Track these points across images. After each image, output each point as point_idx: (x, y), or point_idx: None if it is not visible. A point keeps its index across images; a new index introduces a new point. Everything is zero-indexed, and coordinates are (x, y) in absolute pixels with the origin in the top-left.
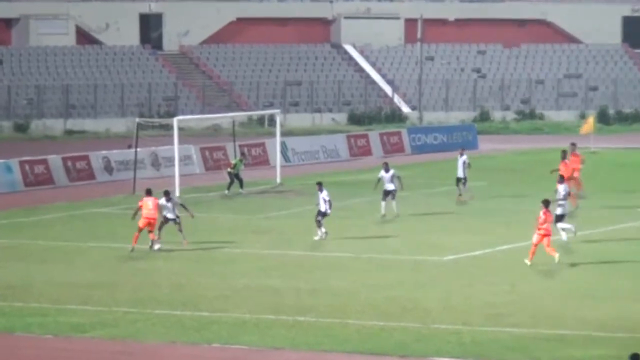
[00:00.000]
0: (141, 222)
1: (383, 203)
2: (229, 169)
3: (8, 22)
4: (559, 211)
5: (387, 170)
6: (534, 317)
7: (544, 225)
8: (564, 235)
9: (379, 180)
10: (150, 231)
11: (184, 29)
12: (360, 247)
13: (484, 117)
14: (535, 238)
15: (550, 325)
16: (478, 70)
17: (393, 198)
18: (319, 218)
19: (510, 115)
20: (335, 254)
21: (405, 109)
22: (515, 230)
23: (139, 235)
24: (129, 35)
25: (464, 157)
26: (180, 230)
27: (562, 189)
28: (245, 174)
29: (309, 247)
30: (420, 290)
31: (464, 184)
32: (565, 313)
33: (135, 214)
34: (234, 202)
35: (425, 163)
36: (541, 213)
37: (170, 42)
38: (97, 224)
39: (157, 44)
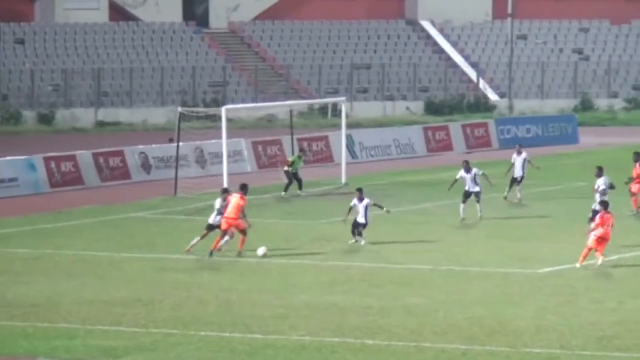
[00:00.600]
0: (223, 223)
1: (462, 206)
2: (286, 168)
3: None
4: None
5: (468, 171)
6: None
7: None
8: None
9: (456, 181)
10: (232, 235)
11: (234, 3)
12: (439, 258)
13: (586, 106)
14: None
15: None
16: (580, 52)
17: (478, 201)
18: (360, 229)
19: (618, 104)
20: (410, 266)
21: (493, 96)
22: (622, 238)
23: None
24: (170, 10)
25: (524, 155)
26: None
27: (601, 182)
28: (305, 173)
29: (379, 259)
30: (510, 308)
31: (520, 183)
32: None
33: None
34: (292, 205)
35: None
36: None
37: (218, 18)
38: (133, 231)
39: (203, 21)
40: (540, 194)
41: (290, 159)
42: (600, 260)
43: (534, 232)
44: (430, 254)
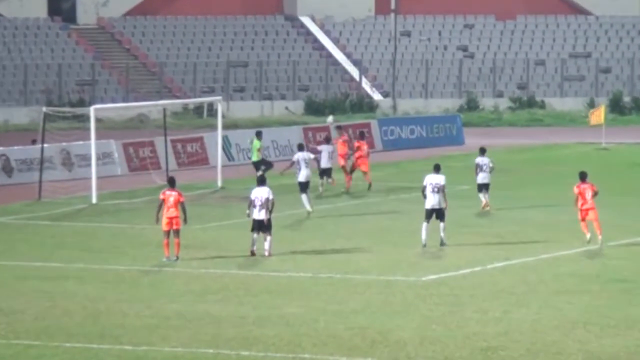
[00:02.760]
0: (164, 224)
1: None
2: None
3: None
4: None
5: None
6: (531, 352)
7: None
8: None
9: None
10: (176, 233)
11: None
12: (319, 265)
13: (471, 105)
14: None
15: None
16: (464, 49)
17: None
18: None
19: (503, 103)
20: (288, 274)
21: (376, 95)
22: (508, 244)
23: (168, 241)
24: (34, 5)
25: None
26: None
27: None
28: (179, 176)
29: (255, 266)
30: (393, 318)
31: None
32: (570, 346)
33: (159, 211)
34: None
35: (400, 162)
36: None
37: (86, 13)
38: None
39: (70, 16)
40: (419, 198)
41: None
42: (591, 238)
43: (418, 238)
44: (309, 261)
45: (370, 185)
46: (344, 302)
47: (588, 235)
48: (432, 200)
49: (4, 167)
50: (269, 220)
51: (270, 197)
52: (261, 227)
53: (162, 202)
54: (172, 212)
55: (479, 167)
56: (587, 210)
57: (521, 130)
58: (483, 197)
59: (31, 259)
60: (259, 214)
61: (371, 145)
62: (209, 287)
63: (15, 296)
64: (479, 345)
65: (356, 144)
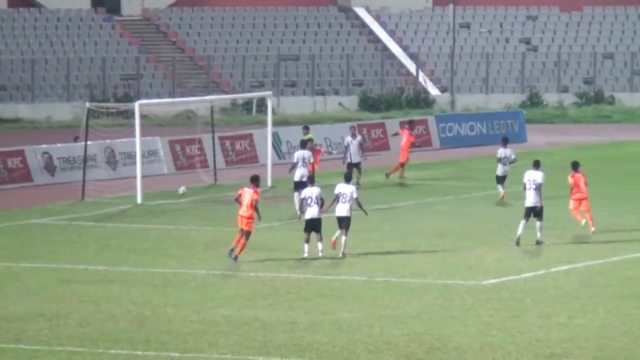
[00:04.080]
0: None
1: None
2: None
3: None
4: None
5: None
6: (596, 358)
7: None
8: None
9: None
10: (246, 234)
11: None
12: (374, 268)
13: (534, 101)
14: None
15: None
16: (527, 41)
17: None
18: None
19: (569, 99)
20: (342, 277)
21: (433, 90)
22: (574, 246)
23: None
24: None
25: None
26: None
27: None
28: (227, 175)
29: (307, 269)
30: (451, 323)
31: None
32: (637, 352)
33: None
34: (211, 210)
35: (458, 160)
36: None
37: (131, 4)
38: (35, 239)
39: (114, 7)
40: (485, 198)
41: None
42: (586, 224)
43: (478, 239)
44: (364, 264)
45: (388, 175)
46: (400, 307)
47: (583, 221)
48: (530, 198)
49: (47, 165)
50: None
51: (322, 195)
52: (315, 226)
53: (238, 197)
54: (245, 211)
55: (499, 160)
56: (581, 199)
57: (587, 127)
58: (501, 189)
59: (74, 262)
60: (312, 213)
61: (428, 143)
62: (259, 291)
63: (58, 300)
64: (542, 352)
65: (400, 132)
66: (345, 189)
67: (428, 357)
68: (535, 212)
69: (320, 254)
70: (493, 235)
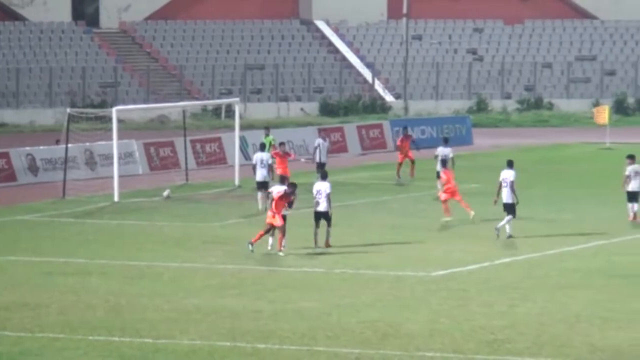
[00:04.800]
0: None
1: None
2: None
3: None
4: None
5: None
6: (536, 344)
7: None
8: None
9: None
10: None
11: (125, 3)
12: (332, 261)
13: (480, 106)
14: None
15: (556, 353)
16: (474, 52)
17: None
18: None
19: (511, 105)
20: (303, 270)
21: (388, 97)
22: (516, 239)
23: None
24: (59, 9)
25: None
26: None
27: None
28: (197, 175)
29: (272, 262)
30: (402, 312)
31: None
32: (573, 339)
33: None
34: (183, 207)
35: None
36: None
37: (109, 18)
38: (19, 234)
39: (93, 21)
40: (434, 196)
41: None
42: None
43: (427, 234)
44: (323, 257)
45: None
46: (356, 297)
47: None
48: (504, 195)
49: (30, 166)
50: (329, 212)
51: (330, 190)
52: (321, 218)
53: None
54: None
55: (436, 157)
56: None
57: (528, 131)
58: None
59: (56, 255)
60: (321, 207)
61: (383, 145)
62: (227, 282)
63: (41, 291)
64: (485, 338)
65: (398, 142)
66: (322, 186)
67: (382, 342)
68: (505, 207)
69: (323, 245)
70: (441, 230)
